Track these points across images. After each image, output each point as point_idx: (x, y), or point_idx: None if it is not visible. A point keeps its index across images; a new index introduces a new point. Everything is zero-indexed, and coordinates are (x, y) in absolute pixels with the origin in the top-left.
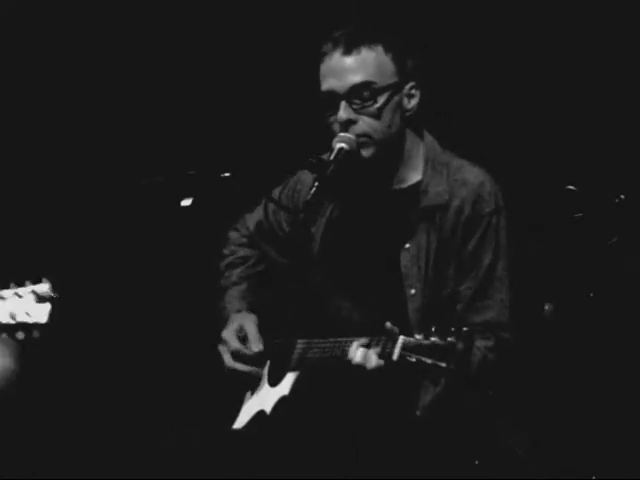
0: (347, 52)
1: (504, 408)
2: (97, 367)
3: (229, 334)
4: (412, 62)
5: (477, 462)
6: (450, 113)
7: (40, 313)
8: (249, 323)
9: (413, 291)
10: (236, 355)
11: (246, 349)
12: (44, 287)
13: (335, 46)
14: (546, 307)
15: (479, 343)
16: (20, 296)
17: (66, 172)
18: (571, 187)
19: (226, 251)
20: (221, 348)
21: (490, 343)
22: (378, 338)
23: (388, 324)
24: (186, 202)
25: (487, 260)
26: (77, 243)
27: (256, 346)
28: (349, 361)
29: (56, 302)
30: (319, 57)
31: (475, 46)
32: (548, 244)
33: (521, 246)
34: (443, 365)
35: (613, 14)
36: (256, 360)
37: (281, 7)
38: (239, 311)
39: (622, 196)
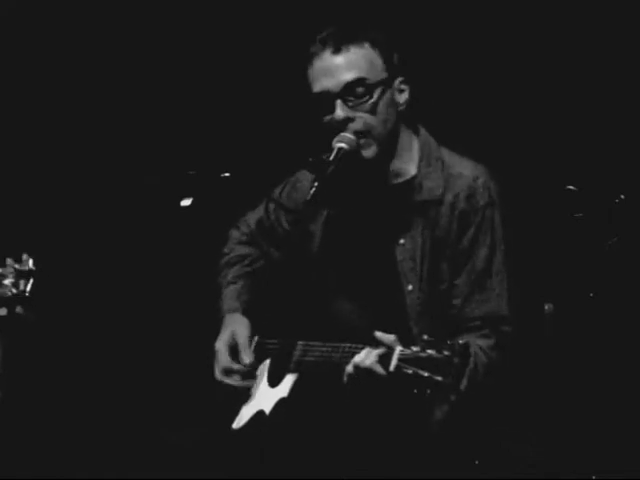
0: (337, 51)
1: (504, 410)
2: (96, 367)
3: (221, 346)
4: (398, 57)
5: (477, 462)
6: (449, 112)
7: (22, 288)
8: (240, 331)
9: (410, 287)
10: (227, 370)
11: (236, 364)
12: (26, 263)
13: (324, 46)
14: (546, 307)
15: (481, 342)
16: (2, 275)
17: (67, 170)
18: (571, 187)
19: (225, 249)
20: (215, 358)
21: (491, 342)
22: (375, 348)
23: (378, 333)
24: (186, 202)
25: (483, 253)
26: (77, 243)
27: (246, 358)
28: (344, 368)
29: (38, 276)
30: (307, 59)
31: (474, 44)
32: (548, 244)
33: (521, 244)
34: (439, 379)
35: (613, 14)
36: (247, 372)
37: (281, 7)
38: (234, 310)
39: (622, 196)
